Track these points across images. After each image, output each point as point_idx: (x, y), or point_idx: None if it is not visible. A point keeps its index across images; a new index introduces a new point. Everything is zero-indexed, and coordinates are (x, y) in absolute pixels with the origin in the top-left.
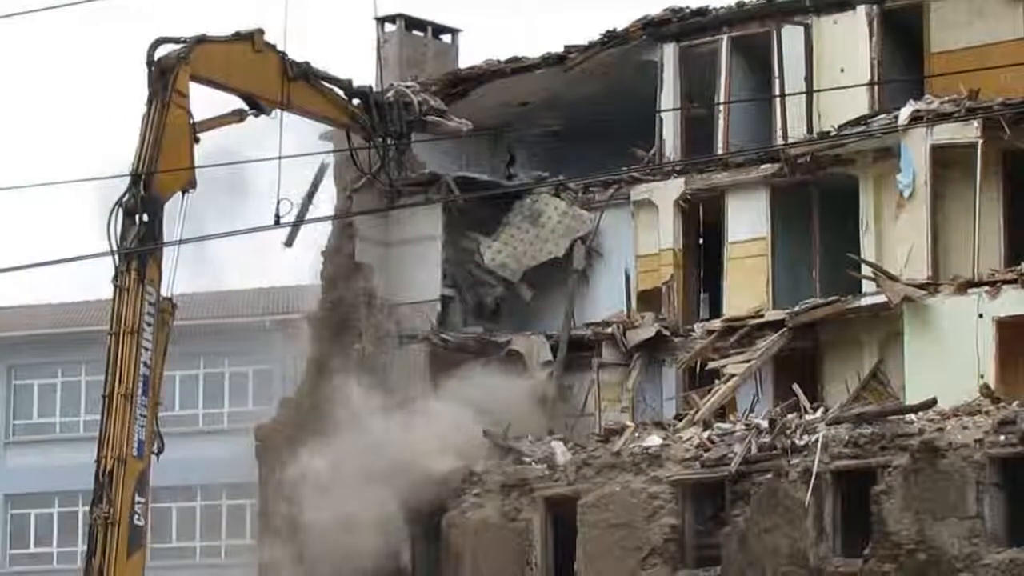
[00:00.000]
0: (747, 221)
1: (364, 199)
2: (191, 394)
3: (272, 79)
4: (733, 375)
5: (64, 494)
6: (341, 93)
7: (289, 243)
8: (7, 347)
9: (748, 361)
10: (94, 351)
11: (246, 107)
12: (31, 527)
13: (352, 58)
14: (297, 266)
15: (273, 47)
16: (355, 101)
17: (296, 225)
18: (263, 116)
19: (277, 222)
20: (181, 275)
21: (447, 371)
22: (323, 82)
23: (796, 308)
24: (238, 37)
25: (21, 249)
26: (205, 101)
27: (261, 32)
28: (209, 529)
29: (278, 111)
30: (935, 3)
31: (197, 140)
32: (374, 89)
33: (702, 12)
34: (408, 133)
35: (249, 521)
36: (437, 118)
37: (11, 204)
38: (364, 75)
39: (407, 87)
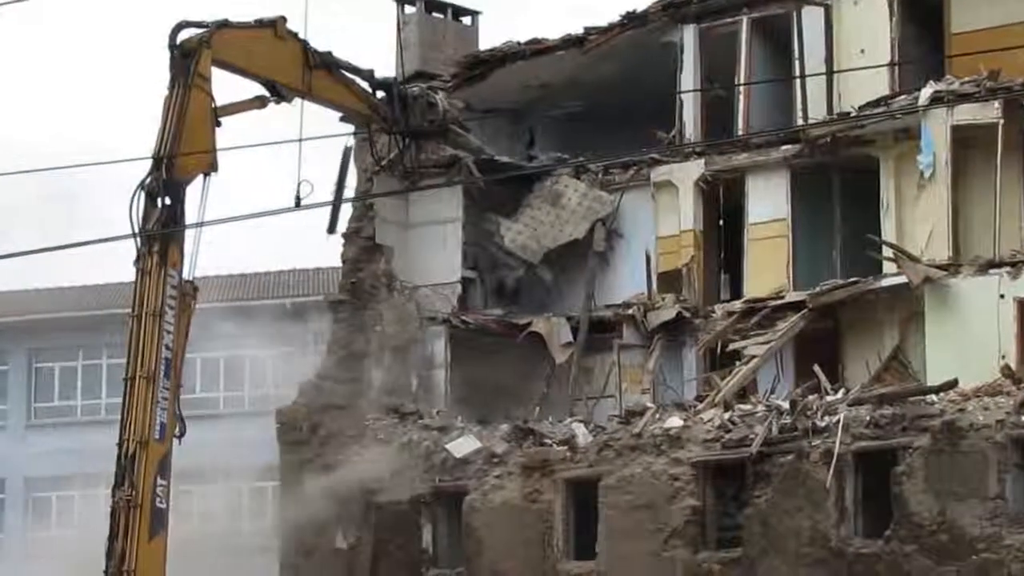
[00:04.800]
0: (767, 202)
1: (384, 181)
2: (212, 377)
3: (293, 67)
4: (754, 356)
5: (85, 477)
6: (364, 84)
7: (332, 229)
8: (28, 330)
9: (769, 342)
10: (116, 334)
11: (267, 93)
12: (52, 510)
13: (371, 41)
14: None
15: (295, 35)
16: (379, 93)
17: (335, 209)
18: (284, 103)
19: (298, 204)
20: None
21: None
22: (344, 72)
23: (817, 289)
24: (260, 24)
25: (41, 232)
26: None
27: (283, 19)
28: (231, 512)
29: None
30: None
31: (219, 124)
32: (396, 77)
33: None
34: (428, 133)
35: (271, 504)
36: (461, 130)
37: (31, 186)
38: (384, 58)
39: (431, 88)
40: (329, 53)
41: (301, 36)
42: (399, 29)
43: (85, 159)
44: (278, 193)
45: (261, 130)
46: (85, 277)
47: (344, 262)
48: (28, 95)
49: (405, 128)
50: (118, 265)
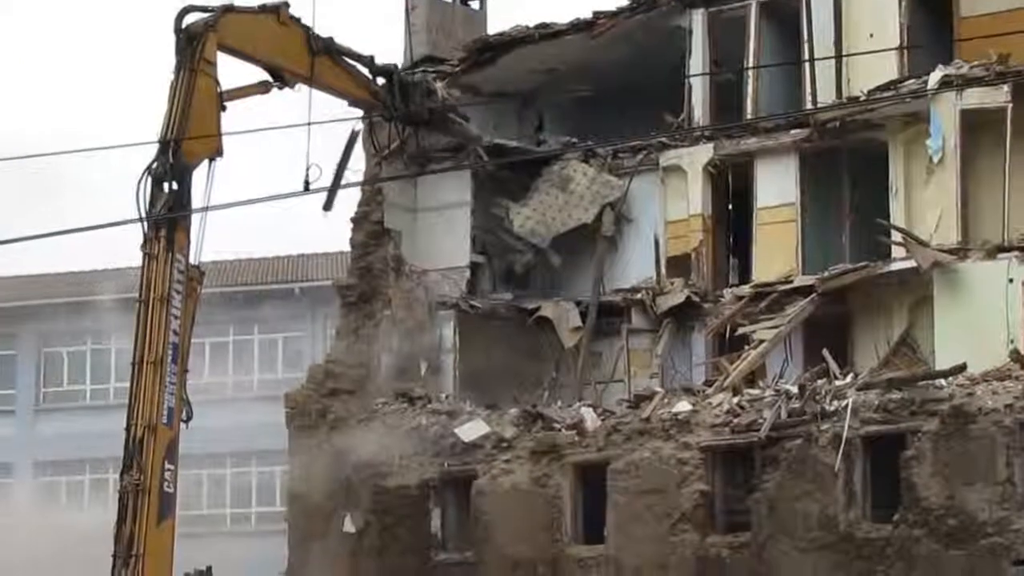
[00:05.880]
0: (776, 186)
1: (393, 165)
2: (221, 361)
3: (296, 52)
4: (763, 341)
5: (94, 461)
6: (365, 70)
7: (328, 207)
8: (37, 314)
9: (778, 327)
10: (124, 318)
11: (270, 79)
12: (61, 495)
13: (379, 25)
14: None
15: (297, 20)
16: (379, 80)
17: (333, 189)
18: (287, 89)
19: (307, 188)
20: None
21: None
22: (345, 58)
23: (826, 273)
24: (263, 9)
25: (50, 216)
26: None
27: (286, 5)
28: (239, 497)
29: (299, 85)
30: None
31: (224, 108)
32: (400, 61)
33: None
34: (427, 120)
35: (279, 488)
36: (459, 119)
37: (40, 172)
38: (392, 42)
39: (438, 73)
40: (331, 39)
41: (304, 22)
42: (407, 13)
43: (65, 147)
44: (283, 178)
45: (257, 116)
46: (93, 262)
47: (353, 247)
48: (12, 84)
49: (404, 115)
50: (127, 250)
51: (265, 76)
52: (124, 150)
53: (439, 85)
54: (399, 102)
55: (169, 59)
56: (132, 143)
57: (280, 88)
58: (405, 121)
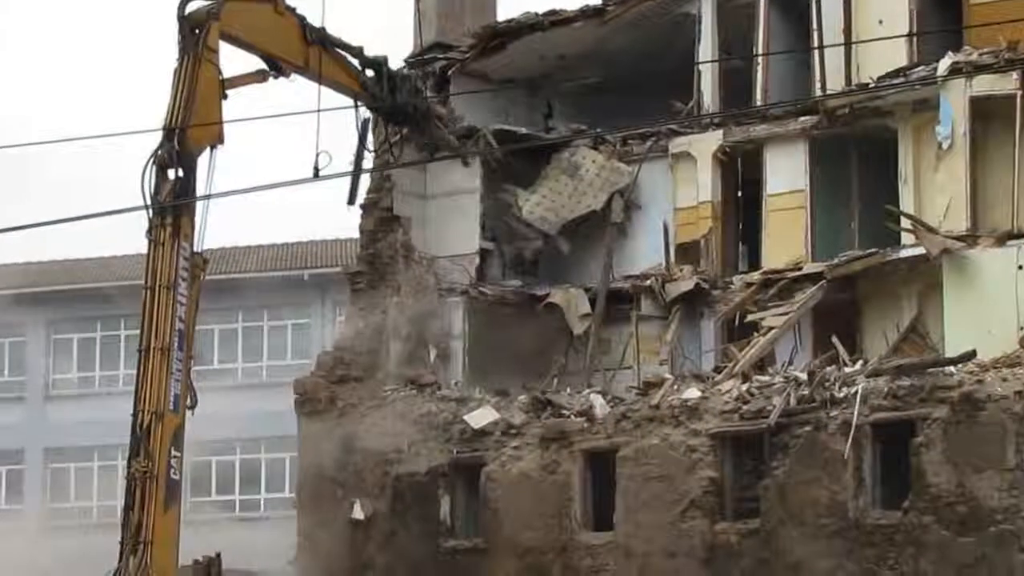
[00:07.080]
0: (786, 173)
1: (402, 152)
2: (230, 348)
3: (293, 42)
4: (772, 327)
5: (104, 448)
6: (355, 61)
7: (352, 200)
8: (46, 301)
9: (787, 313)
10: (133, 305)
11: (267, 68)
12: (71, 481)
13: (388, 11)
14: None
15: (293, 10)
16: (368, 71)
17: (354, 183)
18: (282, 78)
19: (316, 175)
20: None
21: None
22: (337, 49)
23: (835, 260)
24: None
25: (58, 203)
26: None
27: None
28: (248, 483)
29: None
30: None
31: (225, 96)
32: (410, 47)
33: None
34: (413, 118)
35: (288, 475)
36: (440, 123)
37: (49, 159)
38: (401, 28)
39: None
40: (323, 29)
41: (299, 12)
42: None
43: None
44: (292, 165)
45: (248, 106)
46: (103, 248)
47: (362, 233)
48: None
49: (390, 107)
50: (135, 236)
51: (262, 65)
52: (120, 141)
53: (425, 85)
54: (386, 94)
55: (144, 51)
56: (129, 132)
57: (276, 77)
58: (389, 115)
